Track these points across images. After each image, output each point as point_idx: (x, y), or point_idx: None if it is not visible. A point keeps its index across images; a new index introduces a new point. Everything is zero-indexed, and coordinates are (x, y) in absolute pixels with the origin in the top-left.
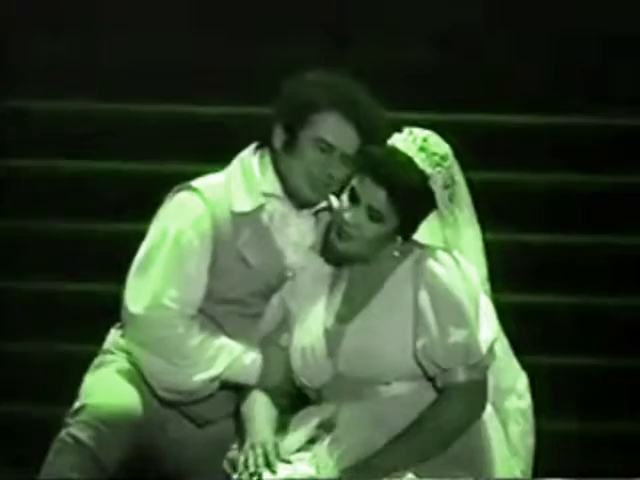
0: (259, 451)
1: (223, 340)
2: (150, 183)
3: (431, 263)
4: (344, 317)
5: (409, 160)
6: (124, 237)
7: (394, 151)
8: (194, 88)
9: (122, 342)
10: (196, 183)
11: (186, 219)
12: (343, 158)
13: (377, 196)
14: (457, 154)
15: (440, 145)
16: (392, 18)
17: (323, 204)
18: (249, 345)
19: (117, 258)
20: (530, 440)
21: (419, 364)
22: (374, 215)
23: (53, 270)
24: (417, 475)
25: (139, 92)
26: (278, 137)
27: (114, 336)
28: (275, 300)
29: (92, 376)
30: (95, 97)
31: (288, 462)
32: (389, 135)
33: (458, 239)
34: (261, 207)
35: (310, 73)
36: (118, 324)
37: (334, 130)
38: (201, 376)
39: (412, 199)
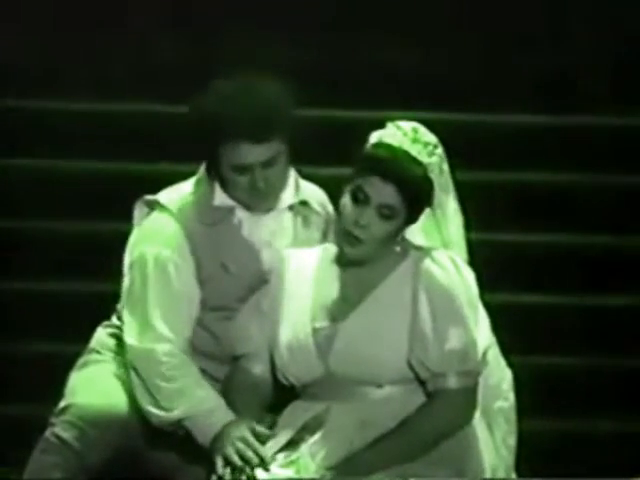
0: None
1: (199, 392)
2: (150, 183)
3: (430, 266)
4: (336, 316)
5: (407, 153)
6: (123, 236)
7: (390, 147)
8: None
9: (108, 341)
10: (163, 199)
11: (161, 239)
12: (263, 163)
13: (388, 193)
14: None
15: (429, 134)
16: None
17: (289, 201)
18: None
19: (116, 257)
20: (512, 440)
21: (411, 367)
22: (385, 213)
23: (53, 270)
24: (406, 476)
25: (140, 93)
26: (212, 176)
27: (100, 335)
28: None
29: (77, 375)
30: (94, 97)
31: (266, 467)
32: (291, 125)
33: (446, 228)
34: (230, 213)
35: (207, 96)
36: (105, 322)
37: (239, 153)
38: (158, 413)
39: (419, 191)
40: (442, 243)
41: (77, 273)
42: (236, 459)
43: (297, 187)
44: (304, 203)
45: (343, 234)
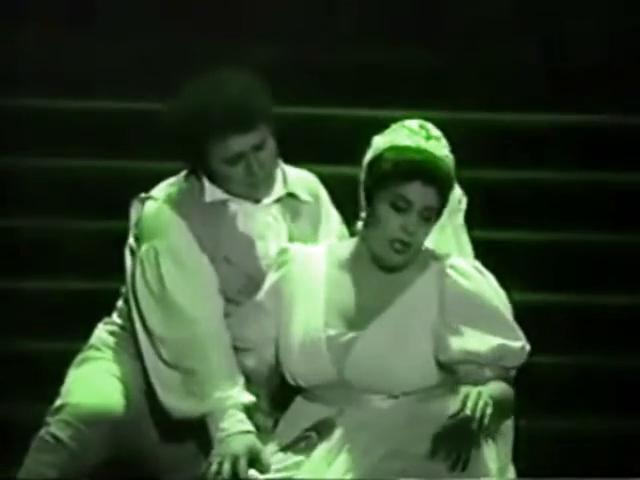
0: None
1: (224, 383)
2: (150, 182)
3: (458, 279)
4: (353, 323)
5: (432, 152)
6: (123, 235)
7: (411, 149)
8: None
9: (108, 338)
10: (157, 194)
11: (163, 229)
12: (254, 148)
13: (430, 195)
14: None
15: (434, 128)
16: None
17: (278, 193)
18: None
19: (117, 255)
20: (509, 438)
21: (440, 368)
22: (426, 215)
23: (52, 269)
24: (409, 475)
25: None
26: (198, 174)
27: (100, 332)
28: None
29: (75, 373)
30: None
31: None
32: (272, 109)
33: (456, 217)
34: (223, 206)
35: (184, 95)
36: (105, 319)
37: (229, 146)
38: (183, 408)
39: (451, 187)
40: (454, 232)
41: (77, 272)
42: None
43: (284, 179)
44: (292, 195)
45: (389, 243)
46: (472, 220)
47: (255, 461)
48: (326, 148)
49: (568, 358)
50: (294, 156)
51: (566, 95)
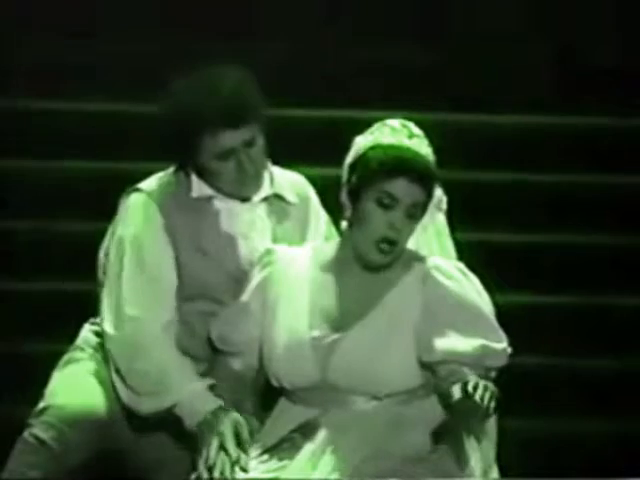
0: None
1: (181, 374)
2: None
3: (439, 278)
4: (337, 325)
5: (416, 150)
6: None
7: (395, 147)
8: None
9: (92, 338)
10: (143, 187)
11: (137, 221)
12: (245, 144)
13: (416, 192)
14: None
15: (415, 127)
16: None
17: (264, 193)
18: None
19: None
20: (492, 438)
21: (423, 369)
22: (412, 212)
23: (53, 270)
24: (392, 476)
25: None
26: (190, 173)
27: (85, 332)
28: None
29: (59, 374)
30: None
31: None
32: (262, 112)
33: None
34: (208, 202)
35: (177, 91)
36: (91, 320)
37: (221, 141)
38: (147, 403)
39: (434, 184)
40: (436, 232)
41: (77, 273)
42: (212, 456)
43: (271, 180)
44: (278, 196)
45: (375, 241)
46: (475, 221)
47: (237, 437)
48: (325, 148)
49: (558, 360)
50: (293, 157)
51: (568, 97)
